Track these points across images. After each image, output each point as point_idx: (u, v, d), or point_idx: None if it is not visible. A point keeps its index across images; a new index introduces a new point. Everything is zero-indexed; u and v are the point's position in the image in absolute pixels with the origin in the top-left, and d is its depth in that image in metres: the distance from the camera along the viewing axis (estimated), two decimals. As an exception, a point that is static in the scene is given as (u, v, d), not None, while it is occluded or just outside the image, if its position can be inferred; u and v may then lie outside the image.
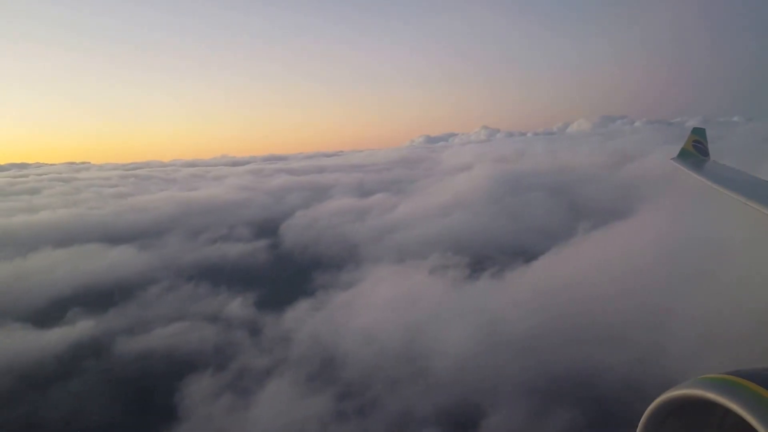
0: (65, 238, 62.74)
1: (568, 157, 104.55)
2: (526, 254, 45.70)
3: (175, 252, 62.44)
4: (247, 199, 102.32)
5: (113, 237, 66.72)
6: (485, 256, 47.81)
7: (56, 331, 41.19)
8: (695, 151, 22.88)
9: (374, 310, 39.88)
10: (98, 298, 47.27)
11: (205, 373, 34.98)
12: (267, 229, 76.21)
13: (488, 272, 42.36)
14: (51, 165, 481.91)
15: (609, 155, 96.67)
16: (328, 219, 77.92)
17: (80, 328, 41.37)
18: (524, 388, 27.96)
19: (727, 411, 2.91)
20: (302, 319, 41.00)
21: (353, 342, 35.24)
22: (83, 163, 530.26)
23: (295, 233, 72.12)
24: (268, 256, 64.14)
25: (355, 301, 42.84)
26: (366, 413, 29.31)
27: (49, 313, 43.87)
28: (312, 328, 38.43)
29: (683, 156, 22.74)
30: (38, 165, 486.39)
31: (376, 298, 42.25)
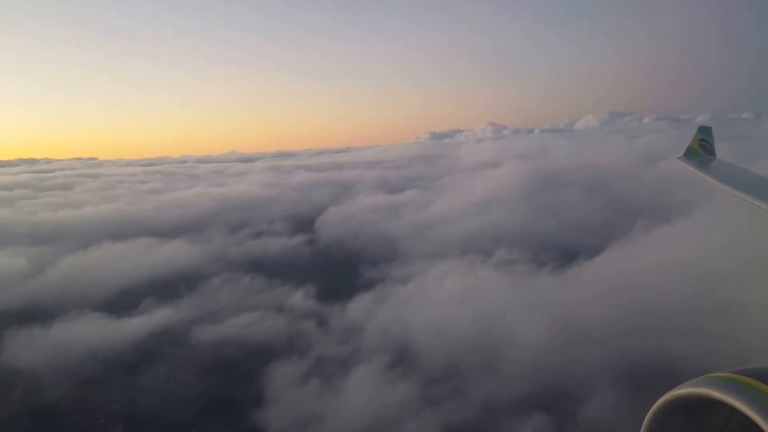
0: (118, 232, 64.64)
1: (594, 155, 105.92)
2: (577, 251, 47.34)
3: (224, 246, 64.38)
4: (275, 196, 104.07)
5: (160, 231, 68.59)
6: (538, 252, 49.46)
7: (135, 321, 43.10)
8: (701, 150, 23.04)
9: (440, 303, 41.60)
10: (166, 289, 49.18)
11: (285, 360, 36.71)
12: (303, 224, 77.91)
13: (547, 267, 44.01)
14: (60, 160, 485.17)
15: (636, 152, 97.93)
16: (363, 215, 79.56)
17: (157, 317, 43.26)
18: (605, 378, 29.53)
19: (733, 409, 2.91)
20: (368, 311, 42.67)
21: (426, 333, 36.85)
22: (90, 158, 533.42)
23: (333, 228, 73.79)
24: (312, 250, 66.00)
25: (418, 294, 44.51)
26: (451, 400, 30.91)
27: (124, 303, 45.75)
28: (381, 319, 40.12)
29: (689, 155, 22.77)
30: (48, 161, 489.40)
31: (438, 291, 43.96)
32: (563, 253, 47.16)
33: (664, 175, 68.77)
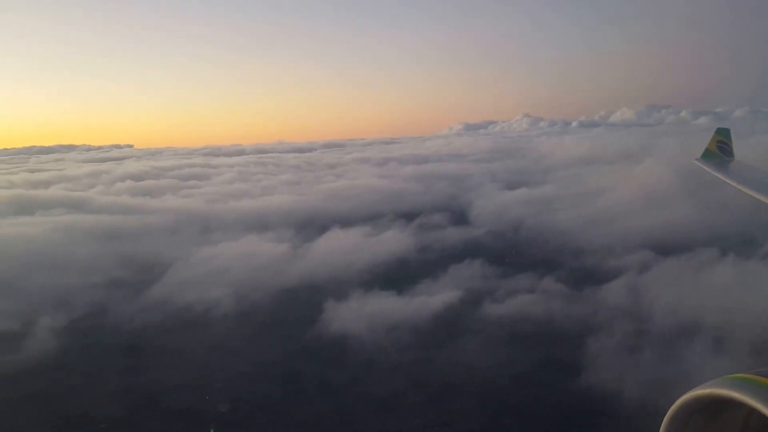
0: (328, 220, 71.39)
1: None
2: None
3: (425, 235, 70.45)
4: (403, 188, 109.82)
5: (350, 221, 75.04)
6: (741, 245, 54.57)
7: (420, 299, 49.27)
8: (719, 151, 22.86)
9: (698, 293, 47.13)
10: (419, 271, 55.43)
11: (595, 335, 42.10)
12: (462, 215, 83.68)
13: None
14: (98, 147, 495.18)
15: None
16: (519, 209, 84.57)
17: (439, 296, 49.16)
18: None
19: (752, 410, 2.87)
20: (631, 295, 48.37)
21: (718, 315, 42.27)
22: (127, 145, 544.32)
23: (504, 221, 78.72)
24: (502, 240, 71.44)
25: (663, 282, 50.06)
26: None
27: (396, 283, 51.68)
28: (662, 301, 45.52)
29: (707, 157, 22.46)
30: (87, 147, 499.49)
31: (685, 282, 49.31)
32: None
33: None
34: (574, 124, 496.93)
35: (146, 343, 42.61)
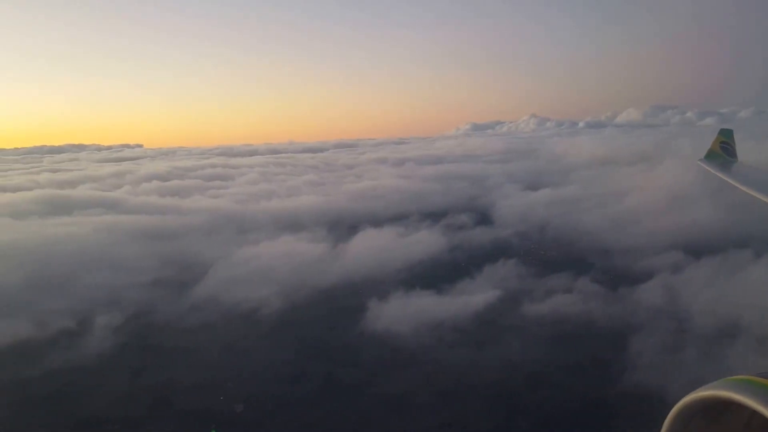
0: (358, 221, 72.65)
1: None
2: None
3: (454, 235, 71.59)
4: (424, 189, 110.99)
5: (381, 221, 76.23)
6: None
7: (463, 299, 50.45)
8: (722, 152, 22.97)
9: (736, 291, 48.13)
10: (455, 271, 56.63)
11: (642, 332, 43.02)
12: (485, 215, 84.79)
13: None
14: (108, 147, 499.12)
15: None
16: (543, 209, 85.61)
17: (479, 295, 50.37)
18: None
19: (754, 412, 2.88)
20: (669, 294, 49.41)
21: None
22: (136, 145, 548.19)
23: (527, 221, 80.00)
24: (526, 240, 72.58)
25: (702, 282, 51.08)
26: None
27: (434, 282, 52.90)
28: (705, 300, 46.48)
29: (710, 157, 22.69)
30: (97, 147, 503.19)
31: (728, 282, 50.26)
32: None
33: None
34: (581, 124, 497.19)
35: (198, 341, 43.90)
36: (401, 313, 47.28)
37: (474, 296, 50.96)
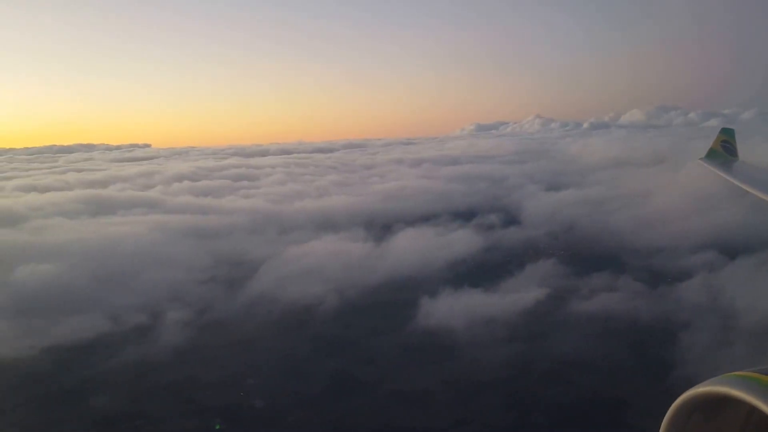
0: (392, 220, 74.78)
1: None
2: None
3: (489, 234, 73.55)
4: (449, 189, 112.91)
5: (414, 221, 78.29)
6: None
7: (512, 297, 52.34)
8: (723, 151, 23.45)
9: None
10: (496, 270, 58.60)
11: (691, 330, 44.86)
12: (513, 216, 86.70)
13: None
14: (117, 146, 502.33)
15: None
16: (570, 210, 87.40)
17: (530, 294, 52.26)
18: None
19: (753, 409, 2.91)
20: (711, 294, 51.27)
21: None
22: (145, 144, 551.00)
23: (556, 221, 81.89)
24: (562, 242, 74.47)
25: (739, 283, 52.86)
26: None
27: (481, 280, 54.87)
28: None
29: (711, 156, 22.99)
30: (106, 146, 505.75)
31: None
32: None
33: None
34: (585, 125, 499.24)
35: (260, 337, 45.86)
36: (454, 311, 49.19)
37: (522, 294, 52.84)
